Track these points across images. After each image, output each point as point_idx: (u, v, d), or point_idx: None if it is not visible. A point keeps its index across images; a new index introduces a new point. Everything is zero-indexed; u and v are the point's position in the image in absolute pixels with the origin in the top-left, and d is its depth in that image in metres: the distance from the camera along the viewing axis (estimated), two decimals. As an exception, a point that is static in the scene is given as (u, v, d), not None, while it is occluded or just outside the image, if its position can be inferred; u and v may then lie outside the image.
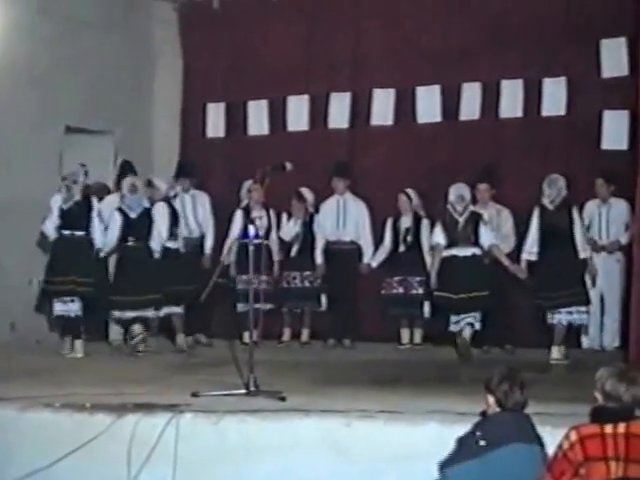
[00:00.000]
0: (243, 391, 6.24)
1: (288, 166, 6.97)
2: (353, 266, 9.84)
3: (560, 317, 8.47)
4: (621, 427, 4.06)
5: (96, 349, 9.03)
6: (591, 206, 9.25)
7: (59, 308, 8.69)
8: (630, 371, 4.21)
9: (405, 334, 9.61)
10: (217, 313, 9.95)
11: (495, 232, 8.94)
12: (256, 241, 9.47)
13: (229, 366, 7.68)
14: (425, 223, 9.51)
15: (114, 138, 10.86)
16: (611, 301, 9.10)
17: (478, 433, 4.23)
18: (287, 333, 9.85)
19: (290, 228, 9.77)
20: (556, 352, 8.44)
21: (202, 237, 9.83)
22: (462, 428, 4.73)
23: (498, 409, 4.26)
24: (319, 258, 9.77)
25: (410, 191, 9.58)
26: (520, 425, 4.26)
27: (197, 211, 9.82)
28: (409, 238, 9.53)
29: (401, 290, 9.49)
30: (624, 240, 9.04)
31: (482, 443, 4.23)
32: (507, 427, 4.22)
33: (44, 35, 9.94)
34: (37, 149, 9.74)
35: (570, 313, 8.48)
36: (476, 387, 5.18)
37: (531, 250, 8.66)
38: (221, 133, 11.14)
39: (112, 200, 9.32)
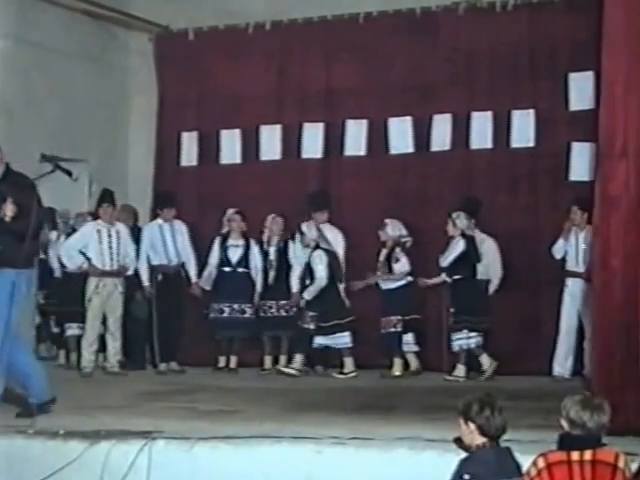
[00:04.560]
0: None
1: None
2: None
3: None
4: (587, 454, 4.11)
5: (67, 376, 9.04)
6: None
7: None
8: (595, 399, 4.27)
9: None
10: (191, 340, 9.98)
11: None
12: (239, 269, 9.76)
13: (202, 393, 7.73)
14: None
15: (89, 166, 10.91)
16: (589, 327, 9.19)
17: (466, 477, 4.26)
18: (268, 361, 9.88)
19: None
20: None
21: (181, 265, 9.91)
22: (431, 454, 4.79)
23: (480, 436, 4.28)
24: (295, 286, 9.82)
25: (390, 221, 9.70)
26: (502, 461, 4.30)
27: (176, 240, 9.90)
28: None
29: None
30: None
31: None
32: (491, 465, 4.26)
33: (18, 64, 10.00)
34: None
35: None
36: (444, 414, 5.26)
37: None
38: (194, 162, 11.20)
39: (92, 226, 9.65)
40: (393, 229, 9.57)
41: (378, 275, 9.57)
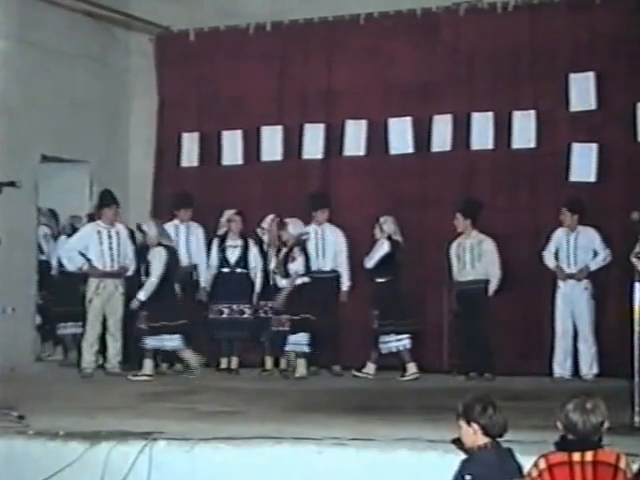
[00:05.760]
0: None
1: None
2: (334, 294, 9.85)
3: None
4: (589, 455, 4.10)
5: (67, 376, 9.03)
6: (559, 234, 9.38)
7: None
8: (588, 401, 4.24)
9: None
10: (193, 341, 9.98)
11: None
12: (237, 270, 9.74)
13: (203, 394, 7.72)
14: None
15: (90, 167, 10.92)
16: (583, 328, 9.21)
17: (467, 477, 4.26)
18: (269, 361, 9.85)
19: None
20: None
21: (193, 267, 9.89)
22: (432, 455, 4.77)
23: (483, 436, 4.28)
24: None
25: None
26: (503, 462, 4.30)
27: (190, 241, 9.89)
28: None
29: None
30: (593, 267, 9.22)
31: None
32: (493, 466, 4.26)
33: (19, 65, 10.00)
34: (12, 178, 9.72)
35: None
36: (444, 415, 5.25)
37: None
38: (195, 163, 11.20)
39: (91, 227, 9.61)
40: (294, 228, 9.49)
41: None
